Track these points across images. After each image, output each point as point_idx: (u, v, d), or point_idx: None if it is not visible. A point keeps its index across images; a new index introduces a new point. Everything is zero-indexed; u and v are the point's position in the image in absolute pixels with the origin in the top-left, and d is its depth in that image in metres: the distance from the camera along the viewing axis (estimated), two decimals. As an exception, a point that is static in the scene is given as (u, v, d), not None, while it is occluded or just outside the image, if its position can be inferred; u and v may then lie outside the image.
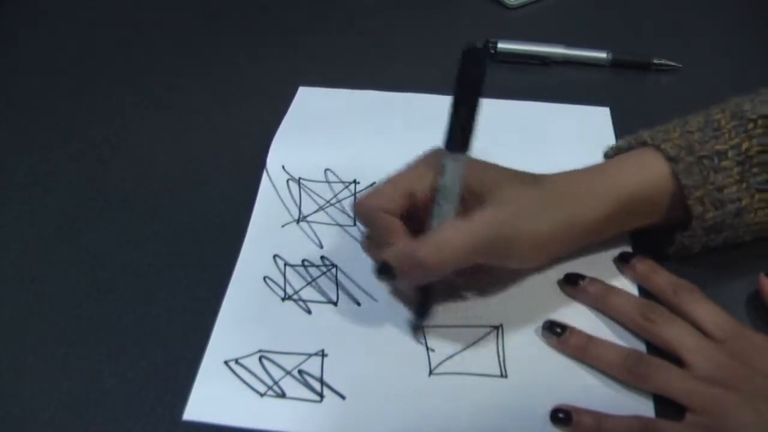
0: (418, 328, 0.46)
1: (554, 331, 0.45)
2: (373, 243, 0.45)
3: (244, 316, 0.46)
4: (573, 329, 0.44)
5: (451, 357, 0.44)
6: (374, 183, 0.51)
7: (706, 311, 0.43)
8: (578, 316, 0.46)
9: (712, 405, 0.39)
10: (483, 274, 0.46)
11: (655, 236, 0.49)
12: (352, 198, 0.53)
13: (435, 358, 0.44)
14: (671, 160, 0.45)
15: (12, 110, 0.63)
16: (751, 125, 0.45)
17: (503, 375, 0.43)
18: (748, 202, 0.45)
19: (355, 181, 0.54)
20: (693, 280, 0.45)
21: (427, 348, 0.44)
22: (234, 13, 0.74)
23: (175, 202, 0.54)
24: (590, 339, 0.44)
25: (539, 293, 0.47)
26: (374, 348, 0.45)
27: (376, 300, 0.47)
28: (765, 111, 0.45)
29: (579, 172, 0.46)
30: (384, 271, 0.43)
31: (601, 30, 0.70)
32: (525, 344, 0.45)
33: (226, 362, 0.44)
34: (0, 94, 0.65)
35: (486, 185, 0.43)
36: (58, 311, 0.48)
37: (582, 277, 0.47)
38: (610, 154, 0.50)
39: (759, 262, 0.47)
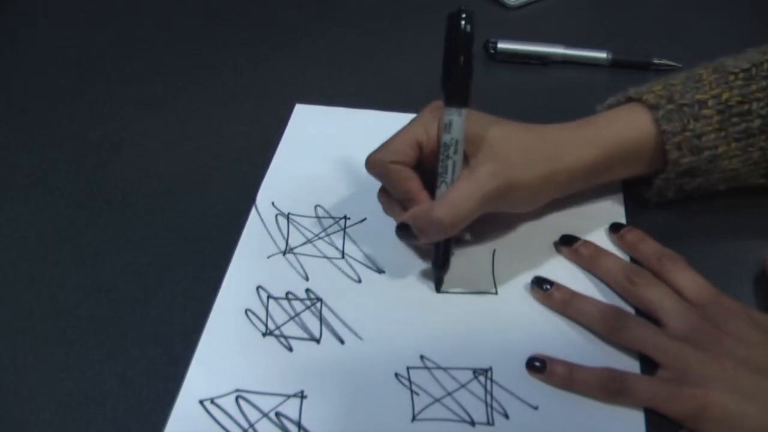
0: (440, 281, 0.48)
1: (541, 287, 0.47)
2: (388, 198, 0.49)
3: (223, 352, 0.45)
4: (559, 285, 0.47)
5: (436, 402, 0.42)
6: (365, 219, 0.52)
7: (687, 278, 0.45)
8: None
9: (681, 361, 0.41)
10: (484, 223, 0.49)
11: (637, 188, 0.52)
12: (342, 232, 0.52)
13: (419, 403, 0.42)
14: (652, 108, 0.48)
15: (12, 110, 0.63)
16: (732, 77, 0.48)
17: (490, 423, 0.41)
18: (724, 149, 0.48)
19: (345, 217, 0.53)
20: (703, 262, 0.47)
21: (412, 391, 0.43)
22: (234, 13, 0.74)
23: (175, 202, 0.54)
24: (573, 294, 0.46)
25: (531, 336, 0.45)
26: (356, 390, 0.43)
27: (360, 338, 0.45)
28: (745, 65, 0.48)
29: (570, 123, 0.49)
30: (403, 230, 0.46)
31: (601, 30, 0.70)
32: (515, 390, 0.43)
33: (201, 401, 0.42)
34: (0, 94, 0.65)
35: (484, 137, 0.45)
36: (58, 311, 0.48)
37: (576, 238, 0.49)
38: (601, 111, 0.52)
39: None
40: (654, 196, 0.51)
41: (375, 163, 0.47)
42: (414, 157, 0.46)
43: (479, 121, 0.46)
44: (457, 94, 0.44)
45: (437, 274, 0.48)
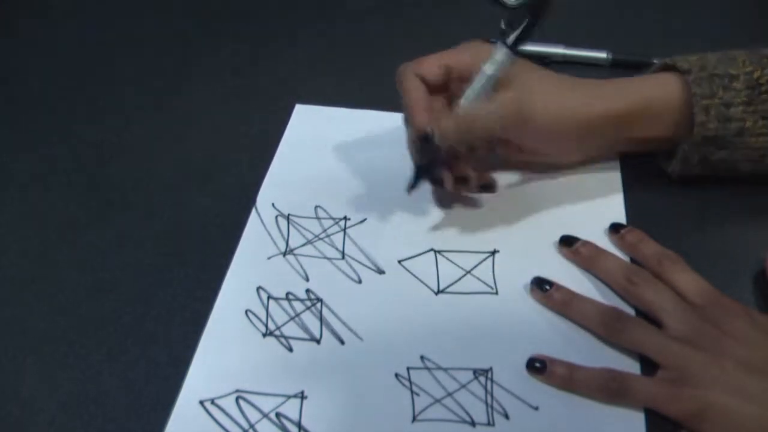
0: (412, 187, 0.51)
1: (541, 287, 0.47)
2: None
3: (223, 352, 0.45)
4: (558, 286, 0.47)
5: (436, 402, 0.42)
6: (365, 219, 0.52)
7: (687, 279, 0.45)
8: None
9: (681, 361, 0.41)
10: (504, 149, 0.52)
11: (660, 163, 0.53)
12: (342, 233, 0.52)
13: (419, 403, 0.42)
14: (685, 72, 0.49)
15: (12, 110, 0.63)
16: (765, 59, 0.48)
17: (490, 423, 0.42)
18: (751, 124, 0.48)
19: (345, 218, 0.53)
20: (702, 262, 0.47)
21: (412, 391, 0.43)
22: (234, 13, 0.74)
23: (175, 202, 0.54)
24: (573, 295, 0.46)
25: (531, 337, 0.45)
26: (356, 390, 0.43)
27: (360, 339, 0.45)
28: None
29: (602, 80, 0.51)
30: (425, 141, 0.48)
31: (601, 30, 0.70)
32: (516, 390, 0.43)
33: (201, 402, 0.42)
34: (0, 94, 0.65)
35: (513, 73, 0.47)
36: (58, 311, 0.48)
37: (576, 239, 0.50)
38: None
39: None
40: (678, 164, 0.51)
41: (401, 69, 0.50)
42: (438, 76, 0.49)
43: (518, 64, 0.48)
44: (518, 43, 0.46)
45: (412, 182, 0.51)
